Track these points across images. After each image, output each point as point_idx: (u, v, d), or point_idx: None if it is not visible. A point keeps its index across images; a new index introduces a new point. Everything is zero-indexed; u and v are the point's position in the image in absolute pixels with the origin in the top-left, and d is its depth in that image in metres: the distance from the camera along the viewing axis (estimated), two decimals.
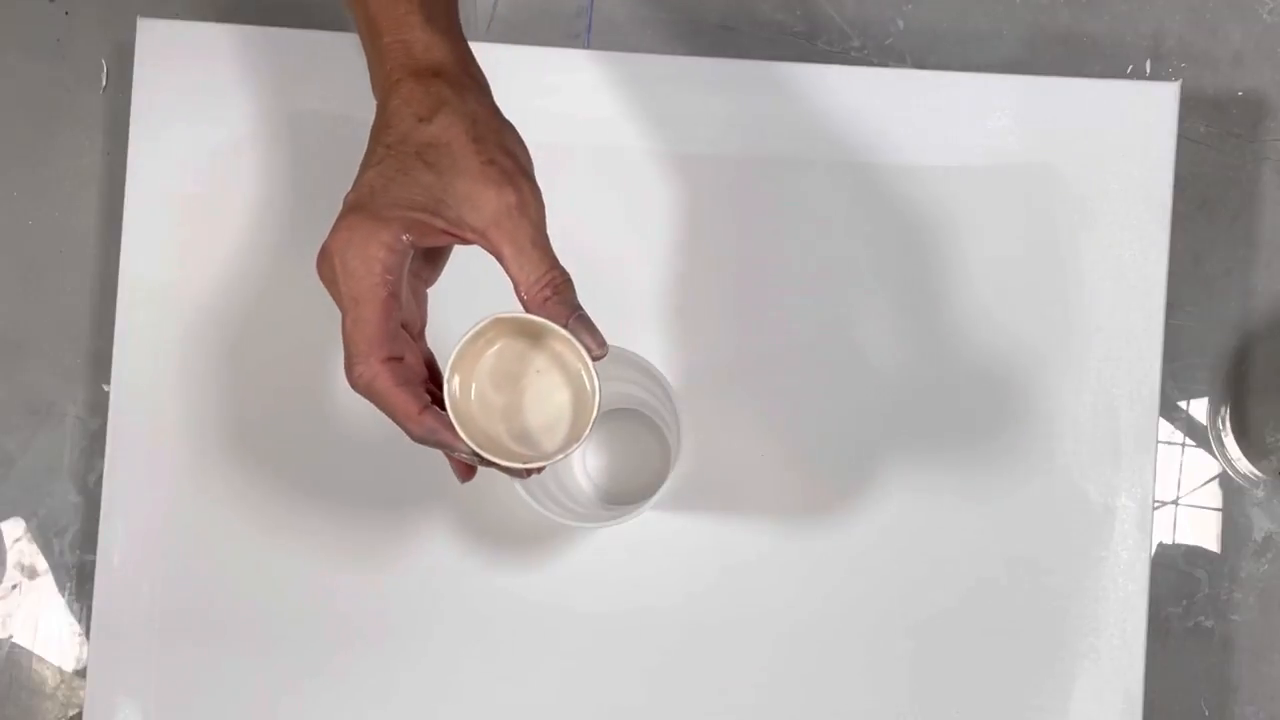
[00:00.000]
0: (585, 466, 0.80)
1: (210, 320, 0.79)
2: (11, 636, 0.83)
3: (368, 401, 0.55)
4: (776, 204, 0.79)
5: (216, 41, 0.80)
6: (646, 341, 0.78)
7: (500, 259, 0.54)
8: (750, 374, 0.78)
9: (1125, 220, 0.78)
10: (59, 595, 0.83)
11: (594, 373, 0.55)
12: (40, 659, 0.83)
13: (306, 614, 0.77)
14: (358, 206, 0.54)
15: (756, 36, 0.83)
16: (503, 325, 0.56)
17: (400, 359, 0.54)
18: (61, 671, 0.82)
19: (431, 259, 0.58)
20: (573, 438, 0.56)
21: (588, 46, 0.81)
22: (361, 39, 0.60)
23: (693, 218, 0.79)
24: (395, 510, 0.78)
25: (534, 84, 0.78)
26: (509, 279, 0.54)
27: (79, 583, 0.83)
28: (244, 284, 0.79)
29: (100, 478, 0.79)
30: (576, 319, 0.55)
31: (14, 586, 0.83)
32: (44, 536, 0.84)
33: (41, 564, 0.84)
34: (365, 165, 0.56)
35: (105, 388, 0.82)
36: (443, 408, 0.55)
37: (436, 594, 0.77)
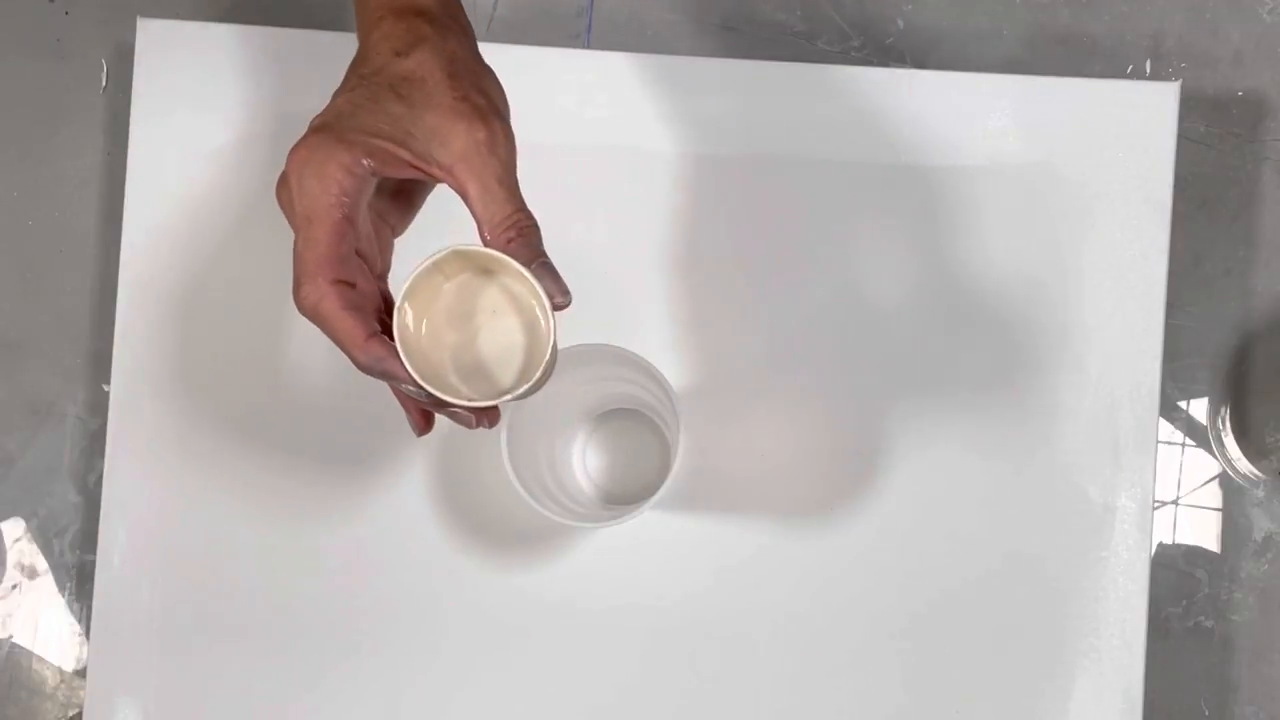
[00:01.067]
0: (585, 466, 0.80)
1: (210, 320, 0.79)
2: (11, 636, 0.83)
3: (317, 328, 0.53)
4: (777, 204, 0.79)
5: (216, 41, 0.80)
6: (646, 341, 0.78)
7: (465, 197, 0.53)
8: (750, 374, 0.78)
9: (1125, 220, 0.78)
10: (59, 595, 0.83)
11: (551, 316, 0.53)
12: (40, 659, 0.83)
13: (306, 614, 0.77)
14: (321, 128, 0.53)
15: (756, 36, 0.83)
16: (461, 259, 0.53)
17: (352, 285, 0.52)
18: (61, 671, 0.82)
19: (401, 204, 0.57)
20: (522, 380, 0.54)
21: (588, 46, 0.81)
22: None
23: (693, 218, 0.79)
24: (396, 510, 0.78)
25: (534, 84, 0.78)
26: (473, 219, 0.53)
27: (79, 583, 0.83)
28: (244, 284, 0.79)
29: (100, 478, 0.79)
30: (540, 265, 0.53)
31: (14, 586, 0.83)
32: (44, 536, 0.84)
33: (41, 564, 0.84)
34: (337, 92, 0.55)
35: (105, 388, 0.82)
36: (393, 340, 0.52)
37: (436, 594, 0.77)
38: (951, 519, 0.77)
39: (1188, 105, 0.80)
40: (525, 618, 0.77)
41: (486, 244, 0.53)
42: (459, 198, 0.53)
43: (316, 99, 0.81)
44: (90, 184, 0.86)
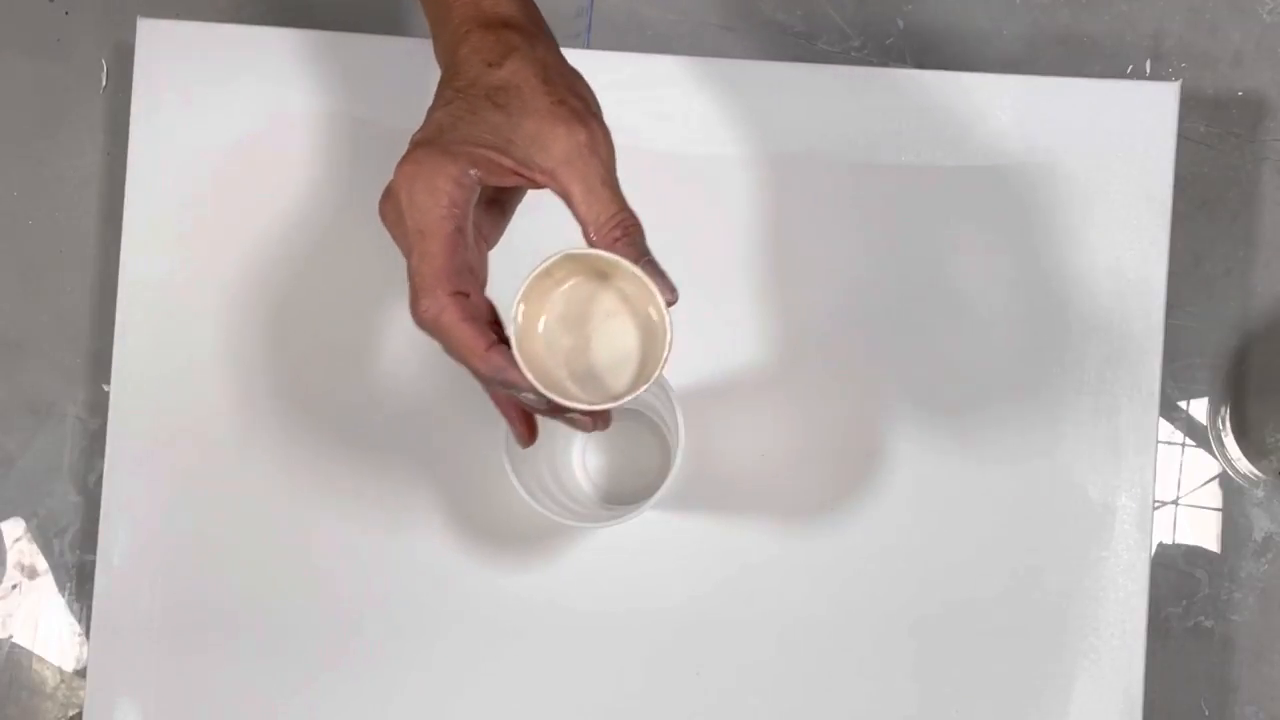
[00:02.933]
0: (585, 466, 0.80)
1: (210, 320, 0.79)
2: (11, 636, 0.83)
3: (433, 340, 0.53)
4: (777, 204, 0.79)
5: (216, 41, 0.80)
6: None
7: (569, 199, 0.53)
8: (750, 374, 0.78)
9: (1125, 220, 0.78)
10: (59, 595, 0.83)
11: (666, 313, 0.53)
12: (40, 659, 0.83)
13: (307, 614, 0.77)
14: (425, 142, 0.53)
15: (756, 36, 0.83)
16: (572, 263, 0.53)
17: (467, 296, 0.52)
18: (61, 671, 0.82)
19: (493, 215, 0.57)
20: (642, 379, 0.54)
21: (588, 46, 0.81)
22: (424, 3, 0.58)
23: (693, 218, 0.79)
24: (395, 510, 0.78)
25: None
26: (578, 221, 0.53)
27: (79, 583, 0.83)
28: (244, 283, 0.79)
29: (100, 478, 0.79)
30: (646, 263, 0.53)
31: (14, 586, 0.83)
32: (44, 536, 0.84)
33: (41, 564, 0.84)
34: (433, 108, 0.55)
35: (105, 388, 0.82)
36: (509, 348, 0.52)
37: (437, 593, 0.77)
38: (951, 519, 0.77)
39: (1188, 105, 0.80)
40: (525, 618, 0.77)
41: (592, 245, 0.53)
42: (561, 201, 0.53)
43: (317, 99, 0.81)
44: (90, 184, 0.86)
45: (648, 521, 0.74)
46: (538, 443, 0.71)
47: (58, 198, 0.86)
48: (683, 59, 0.79)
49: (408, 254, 0.52)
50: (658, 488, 0.67)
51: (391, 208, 0.53)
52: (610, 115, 0.81)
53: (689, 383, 0.77)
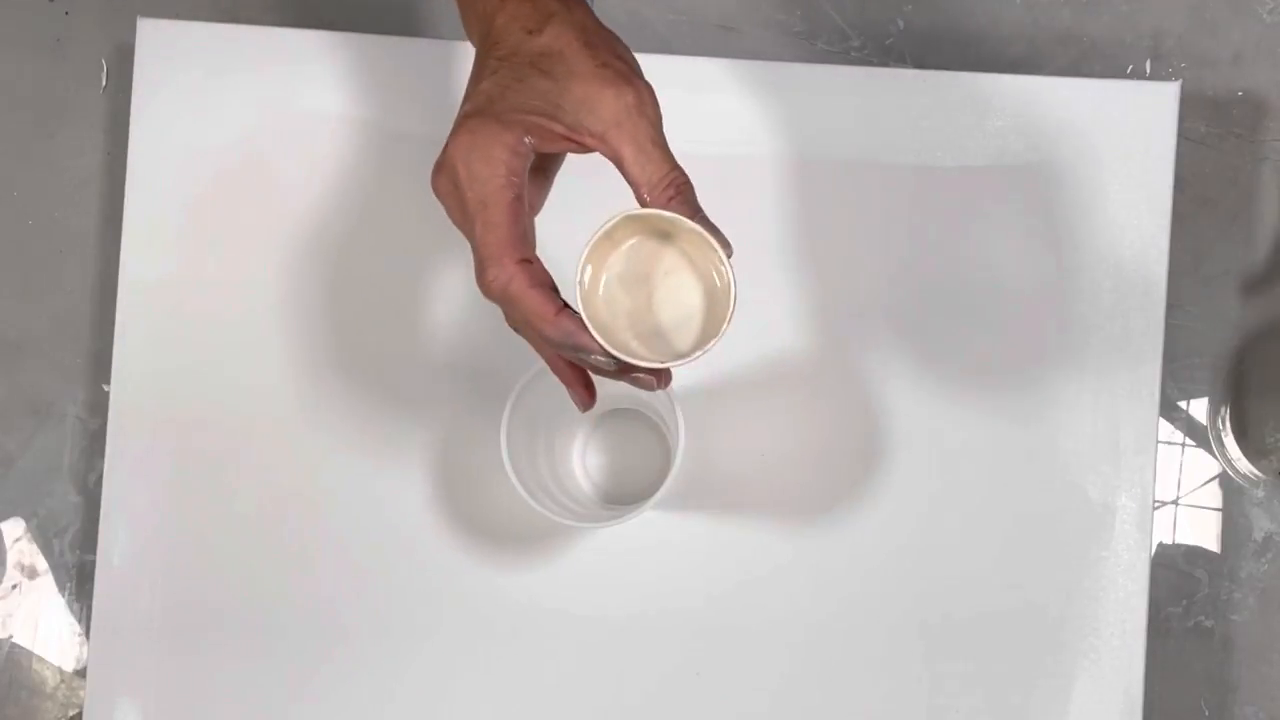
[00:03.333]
0: (585, 466, 0.80)
1: (210, 320, 0.79)
2: (11, 636, 0.83)
3: (500, 308, 0.53)
4: (777, 204, 0.79)
5: (216, 41, 0.80)
6: None
7: (620, 161, 0.53)
8: (749, 373, 0.78)
9: (1125, 220, 0.78)
10: (59, 595, 0.83)
11: (729, 266, 0.53)
12: (40, 659, 0.83)
13: (307, 614, 0.77)
14: (476, 112, 0.52)
15: (756, 36, 0.83)
16: (632, 224, 0.54)
17: (531, 263, 0.52)
18: (61, 671, 0.82)
19: (539, 181, 0.57)
20: (709, 334, 0.54)
21: None
22: None
23: None
24: (396, 510, 0.78)
25: None
26: (629, 182, 0.53)
27: (79, 583, 0.83)
28: (244, 284, 0.79)
29: (100, 478, 0.79)
30: (701, 218, 0.53)
31: (14, 586, 0.83)
32: (44, 536, 0.84)
33: (41, 564, 0.84)
34: (477, 78, 0.54)
35: (105, 388, 0.82)
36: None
37: (436, 593, 0.77)
38: (951, 519, 0.77)
39: (1188, 105, 0.80)
40: (525, 618, 0.77)
41: (645, 205, 0.53)
42: (611, 163, 0.53)
43: (317, 99, 0.81)
44: (90, 184, 0.86)
45: (647, 522, 0.74)
46: (537, 442, 0.71)
47: (58, 198, 0.86)
48: (683, 59, 0.79)
49: (469, 225, 0.52)
50: (658, 488, 0.67)
51: (446, 179, 0.52)
52: None
53: (689, 383, 0.77)
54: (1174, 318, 0.82)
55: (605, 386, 0.78)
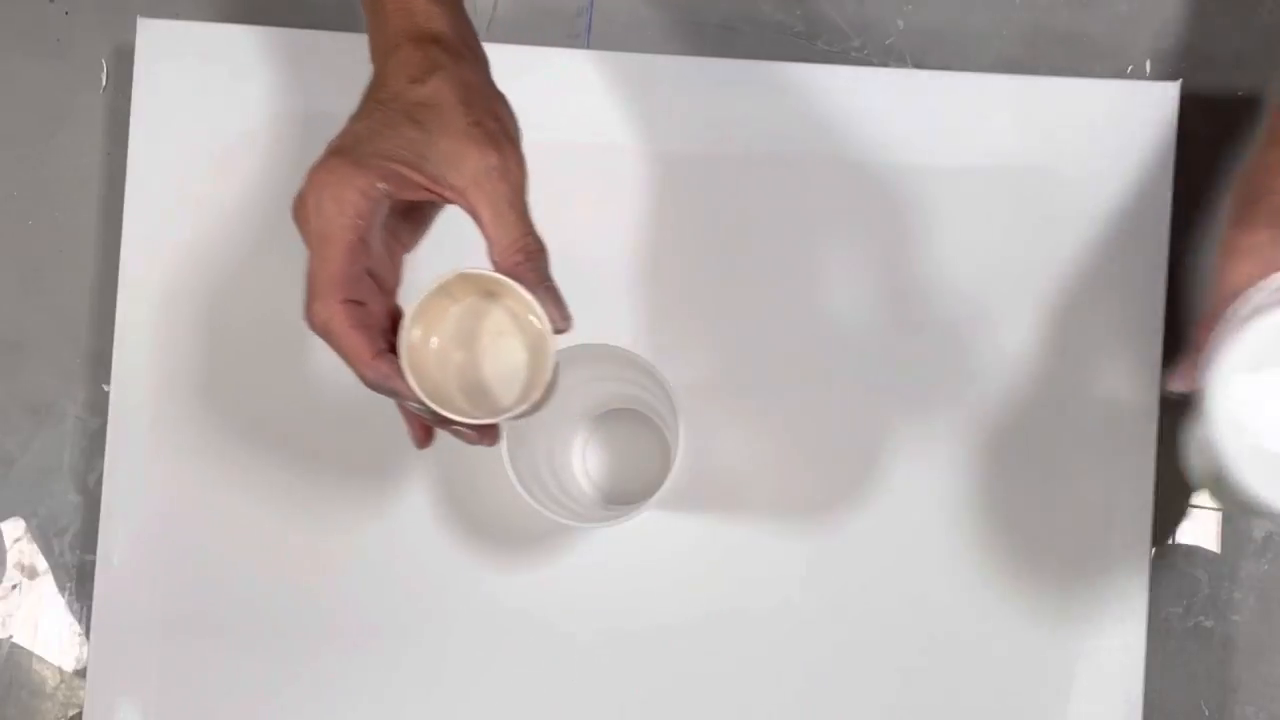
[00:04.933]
0: (585, 466, 0.80)
1: (210, 320, 0.79)
2: (11, 636, 0.83)
3: (327, 346, 0.55)
4: (776, 204, 0.79)
5: (216, 41, 0.80)
6: (645, 341, 0.78)
7: (477, 219, 0.55)
8: (749, 373, 0.78)
9: (1125, 220, 0.78)
10: (59, 595, 0.83)
11: (551, 339, 0.55)
12: (40, 659, 0.83)
13: (307, 614, 0.78)
14: (339, 151, 0.54)
15: (756, 36, 0.83)
16: (467, 282, 0.56)
17: (361, 304, 0.54)
18: (61, 671, 0.82)
19: (412, 222, 0.59)
20: (523, 399, 0.56)
21: (588, 46, 0.81)
22: (364, 4, 0.60)
23: (692, 217, 0.79)
24: (396, 510, 0.78)
25: (534, 84, 0.78)
26: (485, 240, 0.55)
27: (79, 583, 0.83)
28: (244, 283, 0.79)
29: (100, 478, 0.79)
30: (545, 289, 0.55)
31: (14, 586, 0.84)
32: (44, 536, 0.84)
33: (41, 564, 0.84)
34: (353, 118, 0.57)
35: (105, 388, 0.82)
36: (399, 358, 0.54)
37: (436, 592, 0.77)
38: (951, 519, 0.77)
39: (1188, 105, 0.80)
40: (524, 617, 0.77)
41: (496, 266, 0.55)
42: (471, 220, 0.55)
43: (316, 99, 0.81)
44: (90, 184, 0.86)
45: (648, 521, 0.74)
46: (537, 443, 0.71)
47: (58, 198, 0.86)
48: (683, 59, 0.79)
49: (309, 255, 0.54)
50: (658, 488, 0.67)
51: (301, 210, 0.55)
52: (610, 115, 0.81)
53: (689, 382, 0.77)
54: (1173, 317, 0.82)
55: (606, 386, 0.78)
